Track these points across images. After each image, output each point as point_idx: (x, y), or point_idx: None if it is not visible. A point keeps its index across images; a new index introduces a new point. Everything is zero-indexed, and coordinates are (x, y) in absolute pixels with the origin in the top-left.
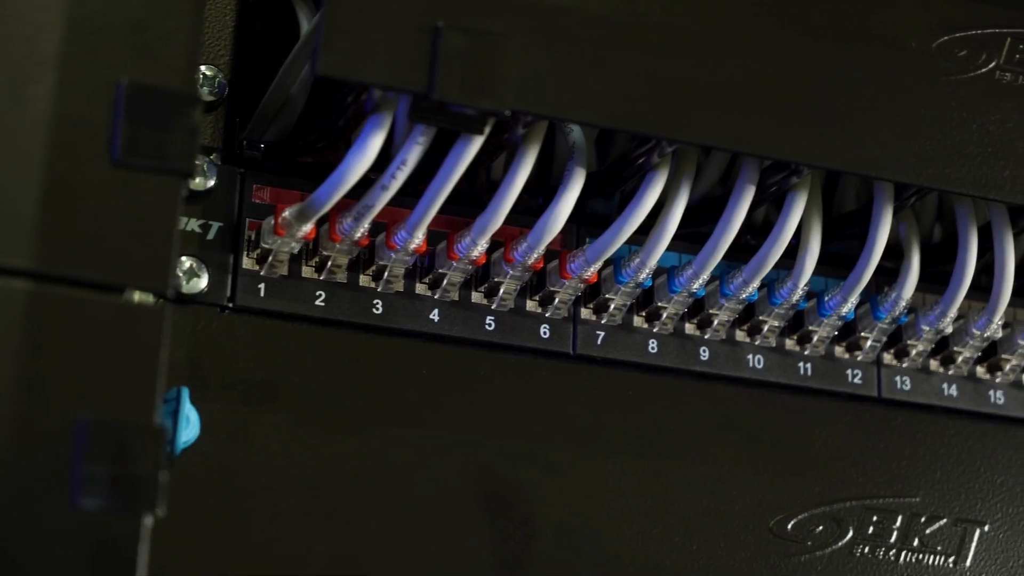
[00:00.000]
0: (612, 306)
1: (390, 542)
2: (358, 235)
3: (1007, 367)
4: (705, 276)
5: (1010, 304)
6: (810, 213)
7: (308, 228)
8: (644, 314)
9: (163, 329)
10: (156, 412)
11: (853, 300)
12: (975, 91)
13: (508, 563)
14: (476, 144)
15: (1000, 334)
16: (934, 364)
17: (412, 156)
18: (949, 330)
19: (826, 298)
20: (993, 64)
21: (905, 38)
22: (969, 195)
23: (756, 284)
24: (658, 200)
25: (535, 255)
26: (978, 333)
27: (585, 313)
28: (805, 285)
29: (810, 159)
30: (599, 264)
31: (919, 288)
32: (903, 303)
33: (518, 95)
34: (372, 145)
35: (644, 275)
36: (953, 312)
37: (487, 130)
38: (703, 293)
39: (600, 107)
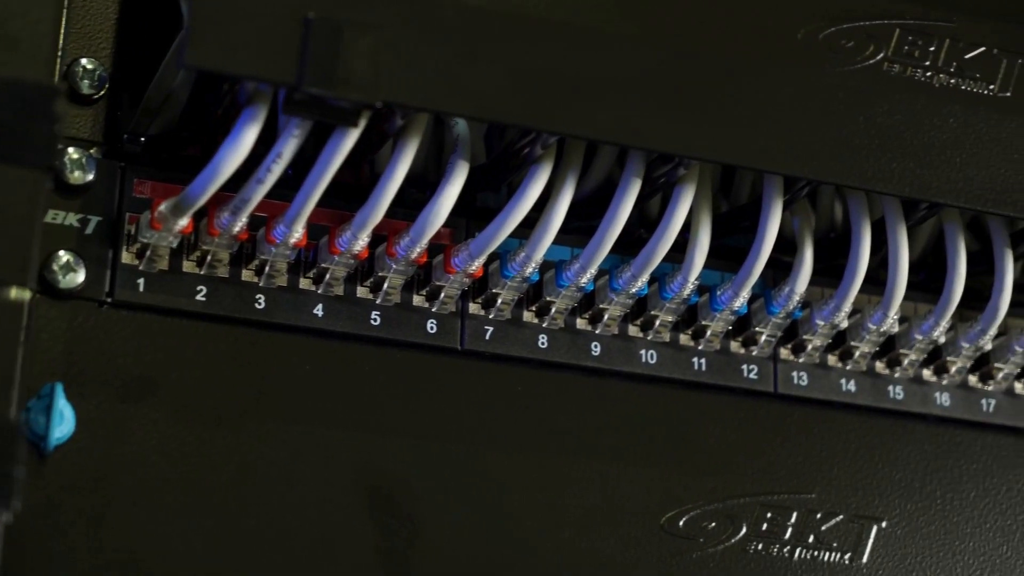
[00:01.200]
0: (500, 301)
1: (271, 540)
2: (236, 229)
3: (906, 362)
4: (592, 270)
5: (910, 299)
6: (699, 206)
7: (185, 222)
8: (534, 309)
9: (22, 324)
10: (12, 408)
11: (745, 294)
12: (863, 82)
13: (392, 561)
14: (352, 137)
15: (896, 328)
16: (832, 359)
17: (287, 149)
18: (844, 324)
19: (718, 292)
20: (881, 55)
21: (791, 29)
22: (855, 187)
23: (645, 278)
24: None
25: (418, 249)
26: (874, 327)
27: (474, 308)
28: (696, 279)
29: (692, 151)
30: (483, 258)
31: (819, 283)
32: (796, 297)
33: (390, 87)
34: (245, 138)
35: (531, 269)
36: (847, 306)
37: (362, 123)
38: (592, 287)
39: (474, 99)
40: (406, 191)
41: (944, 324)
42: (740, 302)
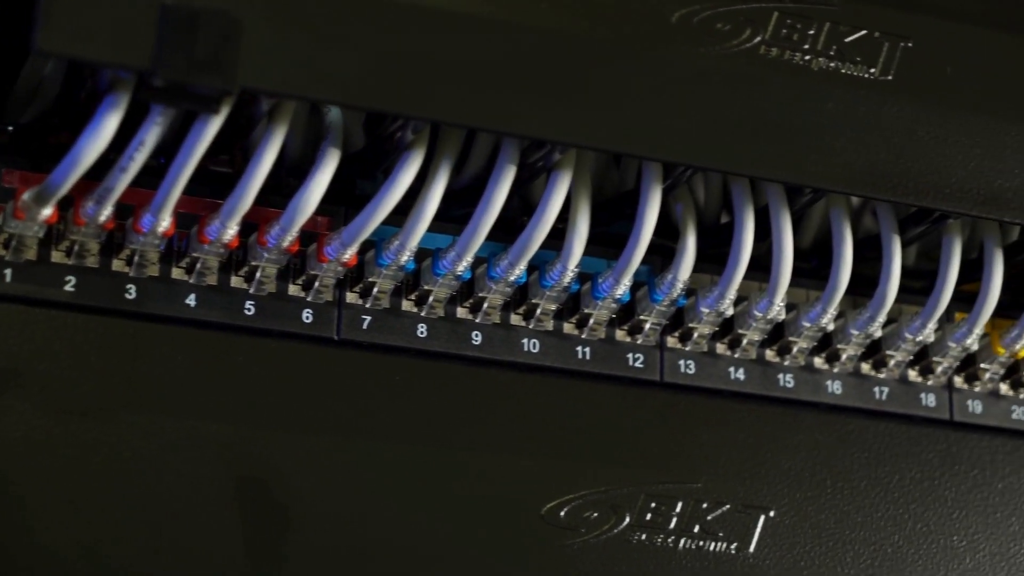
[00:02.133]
0: (376, 289)
1: (141, 531)
2: (102, 218)
3: (795, 350)
4: (468, 258)
5: (802, 286)
6: (578, 193)
7: (48, 212)
8: (413, 298)
9: None
10: None
11: (626, 282)
12: (739, 66)
13: (264, 551)
14: (214, 125)
15: (784, 316)
16: (721, 348)
17: (150, 137)
18: (730, 312)
19: (600, 280)
20: (759, 39)
21: (666, 12)
22: (730, 172)
23: (522, 266)
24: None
25: (289, 238)
26: (761, 315)
27: (351, 297)
28: (575, 267)
29: (563, 136)
30: (355, 247)
31: (709, 271)
32: (680, 285)
33: (248, 73)
34: (105, 126)
35: (406, 258)
36: (731, 294)
37: (224, 110)
38: (469, 276)
39: (336, 84)
40: (284, 179)
41: (832, 311)
42: (622, 290)
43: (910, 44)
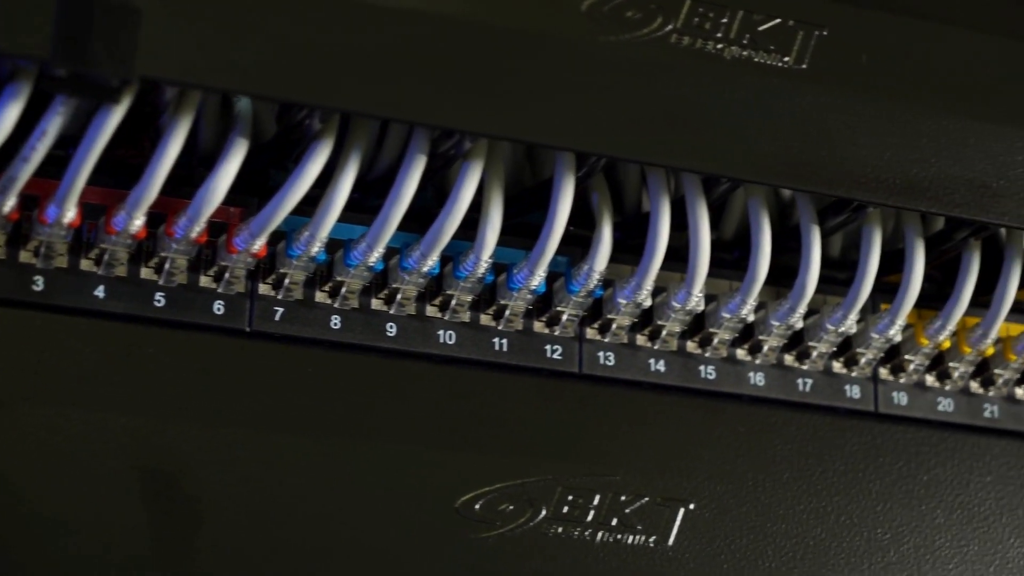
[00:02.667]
0: (288, 281)
1: (45, 525)
2: (6, 209)
3: (716, 341)
4: (380, 249)
5: (725, 277)
6: (490, 183)
7: None
8: (327, 289)
9: None
10: None
11: (541, 273)
12: (650, 55)
13: (173, 544)
14: (116, 114)
15: (702, 307)
16: (641, 339)
17: (52, 127)
18: (648, 303)
19: (515, 271)
20: (670, 27)
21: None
22: (641, 162)
23: (435, 257)
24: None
25: (197, 228)
26: (679, 306)
27: (264, 288)
28: (489, 257)
29: (470, 126)
30: (264, 237)
31: (631, 262)
32: (596, 275)
33: (148, 62)
34: (6, 116)
35: (316, 248)
36: (649, 285)
37: (126, 100)
38: (381, 267)
39: (236, 73)
40: (195, 170)
41: (751, 302)
42: (537, 281)
43: (825, 33)
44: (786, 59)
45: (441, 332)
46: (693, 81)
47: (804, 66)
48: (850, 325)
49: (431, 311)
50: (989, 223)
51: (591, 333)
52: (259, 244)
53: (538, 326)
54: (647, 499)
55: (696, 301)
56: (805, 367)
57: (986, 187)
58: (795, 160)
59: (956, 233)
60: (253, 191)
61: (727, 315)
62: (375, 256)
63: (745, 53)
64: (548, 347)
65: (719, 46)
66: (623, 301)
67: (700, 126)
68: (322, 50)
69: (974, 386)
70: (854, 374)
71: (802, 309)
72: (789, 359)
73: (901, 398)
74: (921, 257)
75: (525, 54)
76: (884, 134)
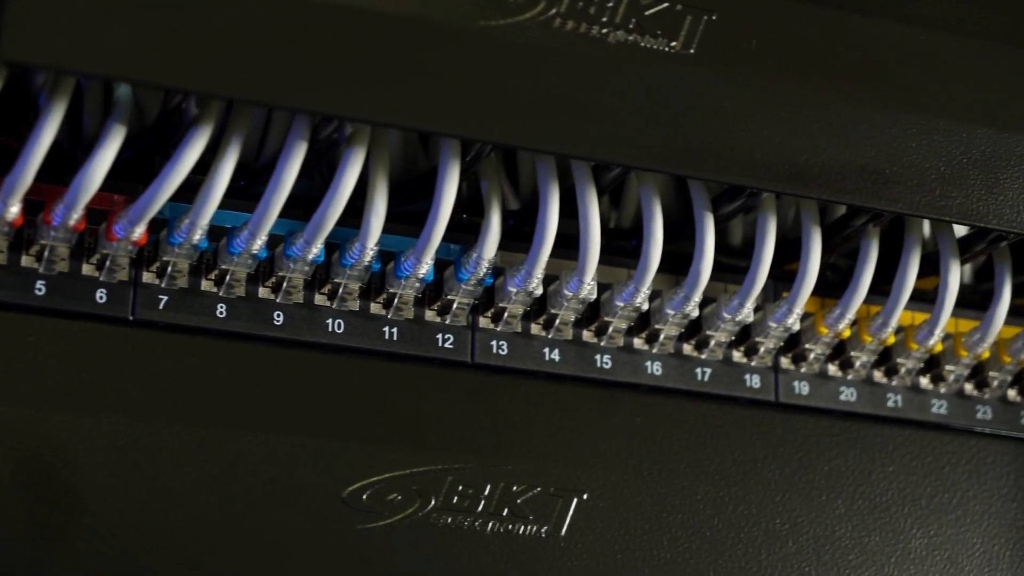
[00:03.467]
0: (171, 268)
1: None
2: None
3: (611, 330)
4: (263, 237)
5: (625, 266)
6: (375, 169)
7: None
8: (212, 277)
9: None
10: None
11: (428, 260)
12: (532, 39)
13: (52, 535)
14: None
15: (595, 295)
16: (536, 328)
17: None
18: (538, 292)
19: (402, 259)
20: (553, 11)
21: None
22: (522, 148)
23: (319, 244)
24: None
25: (75, 216)
26: (571, 295)
27: (148, 277)
28: (375, 245)
29: (347, 111)
30: (143, 225)
31: (522, 250)
32: (485, 263)
33: (14, 45)
34: None
35: (198, 236)
36: (539, 272)
37: None
38: (265, 255)
39: (104, 57)
40: (79, 157)
41: (645, 291)
42: (425, 269)
43: (714, 17)
44: (673, 44)
45: (330, 321)
46: (577, 66)
47: (692, 51)
48: (747, 314)
49: (319, 299)
50: (881, 210)
51: (484, 322)
52: (139, 232)
53: (429, 315)
54: (539, 489)
55: (589, 289)
56: (704, 356)
57: (879, 173)
58: (683, 146)
59: (854, 220)
60: (138, 178)
61: (621, 304)
62: (258, 244)
63: (631, 38)
64: (439, 336)
65: (604, 31)
66: (514, 289)
67: (585, 112)
68: (196, 34)
69: (878, 376)
70: (754, 363)
71: (697, 297)
72: (688, 348)
73: (802, 388)
74: (817, 244)
75: (405, 39)
76: (774, 120)
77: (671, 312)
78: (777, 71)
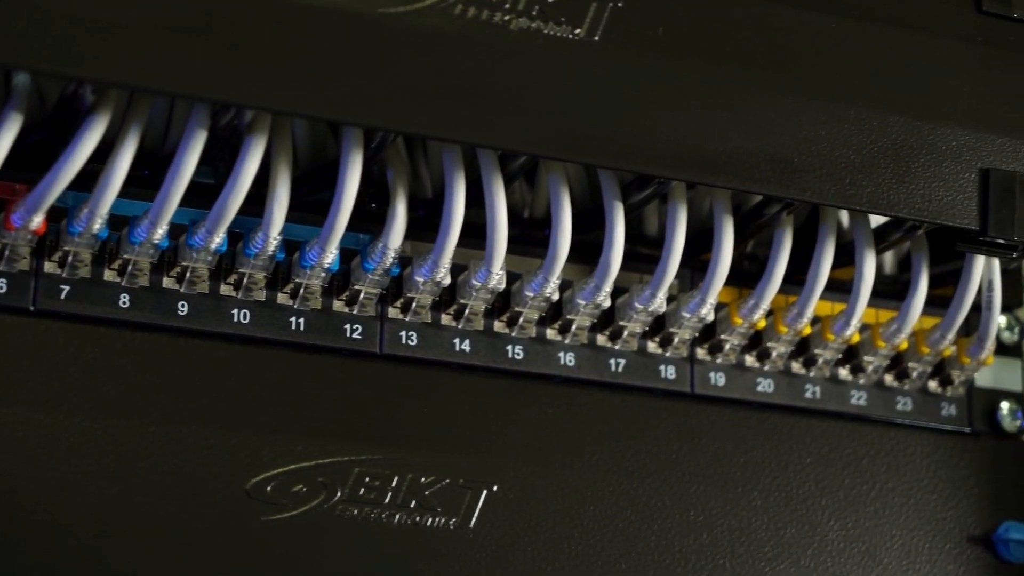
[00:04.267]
0: (72, 258)
1: None
2: None
3: (522, 320)
4: (164, 225)
5: (537, 255)
6: (277, 158)
7: None
8: (116, 267)
9: None
10: None
11: (333, 250)
12: (433, 25)
13: None
14: None
15: (503, 285)
16: (446, 319)
17: None
18: (446, 281)
19: (307, 249)
20: None
21: None
22: (423, 136)
23: (221, 234)
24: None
25: None
26: (480, 285)
27: (50, 267)
28: (278, 234)
29: (243, 99)
30: (41, 214)
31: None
32: (391, 253)
33: None
34: None
35: (98, 225)
36: (445, 262)
37: None
38: (166, 244)
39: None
40: None
41: (555, 280)
42: (330, 258)
43: (619, 4)
44: (577, 31)
45: (235, 311)
46: (479, 54)
47: (596, 38)
48: (660, 304)
49: (225, 290)
50: (790, 199)
51: (393, 312)
52: (37, 221)
53: (337, 305)
54: (448, 481)
55: (497, 279)
56: (617, 347)
57: (788, 162)
58: (588, 134)
59: (767, 208)
60: (40, 168)
61: (531, 294)
62: (160, 233)
63: (534, 25)
64: (347, 326)
65: (506, 17)
66: (421, 279)
67: (488, 100)
68: (90, 20)
69: (796, 367)
70: (669, 354)
71: (608, 287)
72: (601, 339)
73: (719, 379)
74: (730, 234)
75: (305, 26)
76: (682, 108)
77: (582, 302)
78: (684, 59)
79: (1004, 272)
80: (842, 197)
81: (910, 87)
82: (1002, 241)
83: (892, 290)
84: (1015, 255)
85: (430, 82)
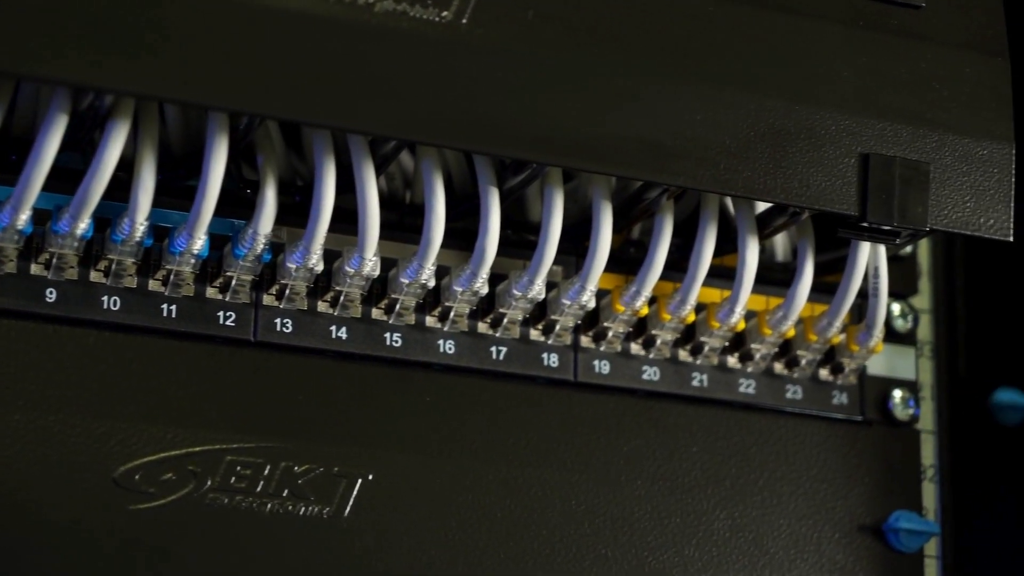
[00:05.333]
0: None
1: None
2: None
3: (398, 307)
4: (27, 211)
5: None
6: (142, 143)
7: None
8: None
9: None
10: None
11: (200, 236)
12: (293, 6)
13: None
14: None
15: (377, 272)
16: (323, 306)
17: None
18: (319, 268)
19: (175, 235)
20: None
21: None
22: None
23: (85, 220)
24: None
25: None
26: (352, 271)
27: None
28: (145, 220)
29: (92, 81)
30: None
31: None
32: (261, 239)
33: None
34: None
35: (22, 221)
36: (317, 249)
37: None
38: (30, 230)
39: None
40: None
41: (429, 267)
42: (199, 244)
43: None
44: (444, 14)
45: (105, 298)
46: (342, 35)
47: (464, 21)
48: (538, 291)
49: (95, 276)
50: (664, 184)
51: (269, 299)
52: None
53: (211, 292)
54: (322, 470)
55: (371, 266)
56: (498, 334)
57: (661, 146)
58: (456, 119)
59: (647, 194)
60: None
61: (407, 281)
62: (23, 219)
63: (399, 7)
64: (221, 313)
65: (368, 1)
66: (293, 266)
67: (352, 83)
68: None
69: (683, 355)
70: (551, 342)
71: (484, 274)
72: (483, 327)
73: (603, 367)
74: (608, 219)
75: (162, 7)
76: (551, 92)
77: (459, 289)
78: (554, 42)
79: (898, 260)
80: (717, 182)
81: (788, 71)
82: (885, 227)
83: (785, 278)
84: (897, 241)
85: (293, 65)
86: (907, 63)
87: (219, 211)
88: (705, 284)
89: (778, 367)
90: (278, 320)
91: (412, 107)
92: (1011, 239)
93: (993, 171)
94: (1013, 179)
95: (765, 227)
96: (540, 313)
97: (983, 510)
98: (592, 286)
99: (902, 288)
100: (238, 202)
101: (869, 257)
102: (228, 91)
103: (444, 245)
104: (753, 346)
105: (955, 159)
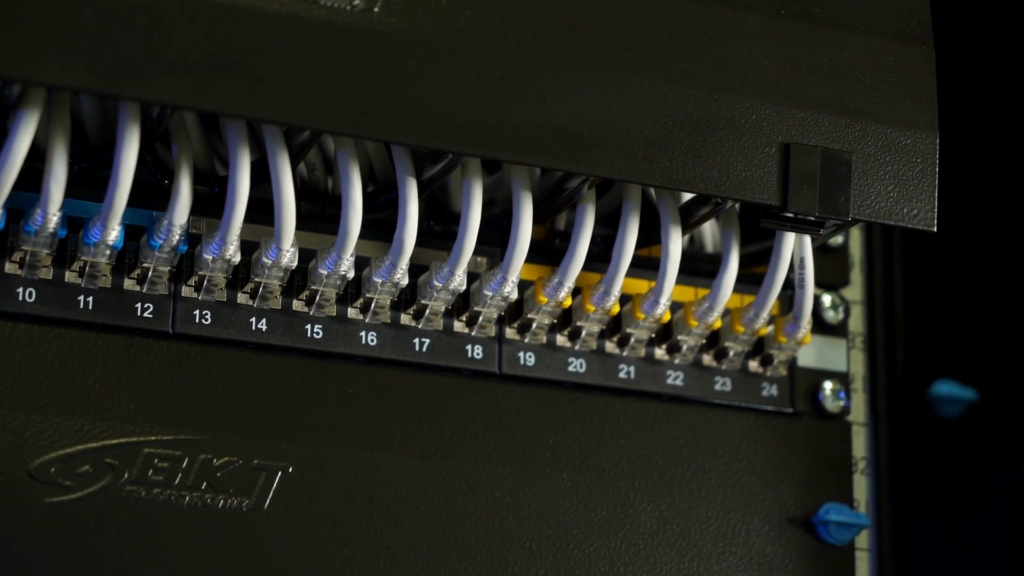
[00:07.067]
0: None
1: None
2: None
3: (319, 298)
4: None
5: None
6: (54, 133)
7: None
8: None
9: None
10: None
11: (115, 227)
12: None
13: None
14: None
15: (295, 263)
16: (242, 297)
17: None
18: (236, 259)
19: (90, 226)
20: None
21: None
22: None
23: None
24: None
25: None
26: (270, 263)
27: None
28: (58, 211)
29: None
30: None
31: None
32: (177, 230)
33: None
34: None
35: None
36: (233, 240)
37: None
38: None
39: None
40: None
41: (348, 258)
42: (113, 235)
43: None
44: (356, 2)
45: (20, 290)
46: (251, 23)
47: (376, 9)
48: (459, 282)
49: (10, 268)
50: (580, 173)
51: (188, 291)
52: None
53: (128, 283)
54: (241, 462)
55: (289, 257)
56: (421, 326)
57: (577, 136)
58: (370, 109)
59: (568, 183)
60: None
61: (325, 272)
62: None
63: None
64: (138, 305)
65: None
66: (210, 257)
67: (262, 72)
68: None
69: (610, 347)
70: (475, 334)
71: (403, 265)
72: (406, 318)
73: (528, 359)
74: (528, 209)
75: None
76: (466, 80)
77: (379, 280)
78: (468, 31)
79: (829, 251)
80: (635, 172)
81: (708, 59)
82: (808, 217)
83: (714, 269)
84: (822, 231)
85: (203, 53)
86: (829, 51)
87: (139, 202)
88: (633, 275)
89: (707, 359)
90: (197, 312)
91: (325, 96)
92: (935, 229)
93: (917, 161)
94: (937, 168)
95: (689, 217)
96: (464, 305)
97: (921, 503)
98: (514, 277)
99: (833, 279)
100: (158, 193)
101: (795, 248)
102: (135, 80)
103: (366, 236)
104: (680, 338)
105: (878, 148)
